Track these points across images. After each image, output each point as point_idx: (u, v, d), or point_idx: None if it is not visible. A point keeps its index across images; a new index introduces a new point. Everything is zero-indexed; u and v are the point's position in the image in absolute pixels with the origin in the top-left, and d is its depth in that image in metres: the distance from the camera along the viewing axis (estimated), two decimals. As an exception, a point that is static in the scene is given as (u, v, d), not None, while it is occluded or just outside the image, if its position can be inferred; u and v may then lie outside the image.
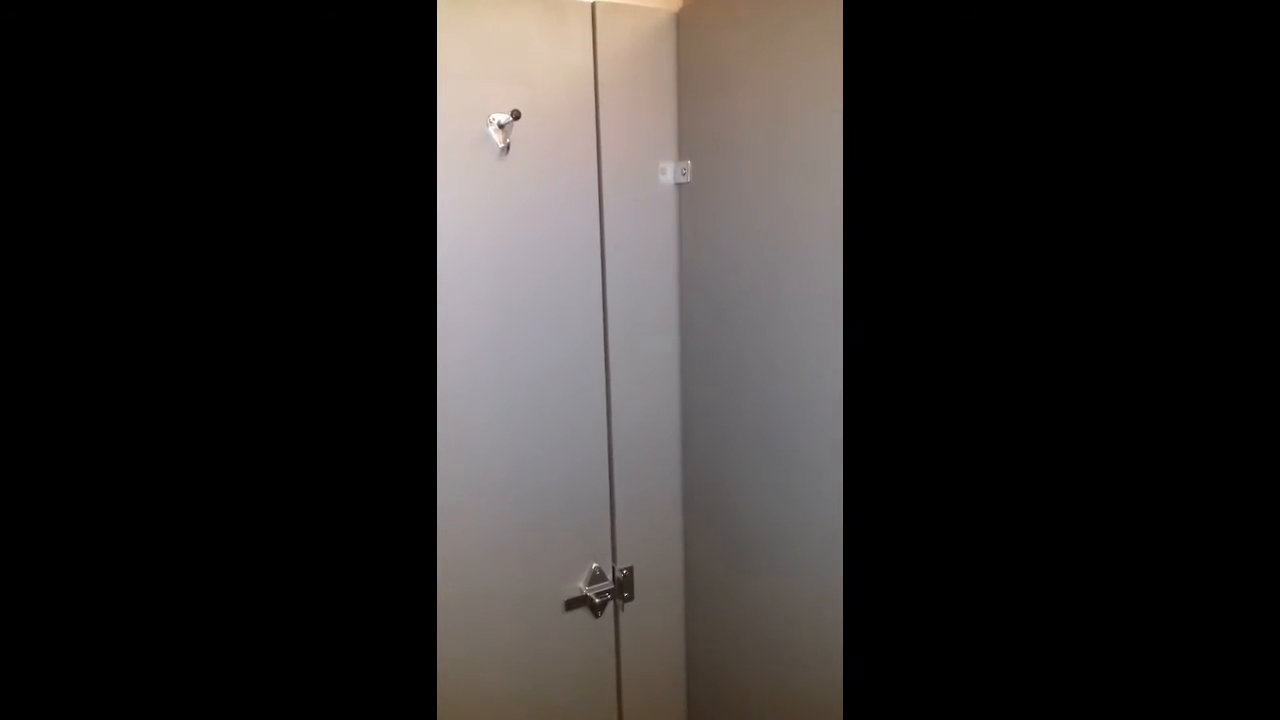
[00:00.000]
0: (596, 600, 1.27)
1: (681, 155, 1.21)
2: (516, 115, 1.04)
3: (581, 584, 1.27)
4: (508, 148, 1.06)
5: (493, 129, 1.05)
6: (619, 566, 1.30)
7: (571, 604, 1.27)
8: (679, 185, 1.22)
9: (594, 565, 1.28)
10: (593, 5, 1.10)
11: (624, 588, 1.31)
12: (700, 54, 1.14)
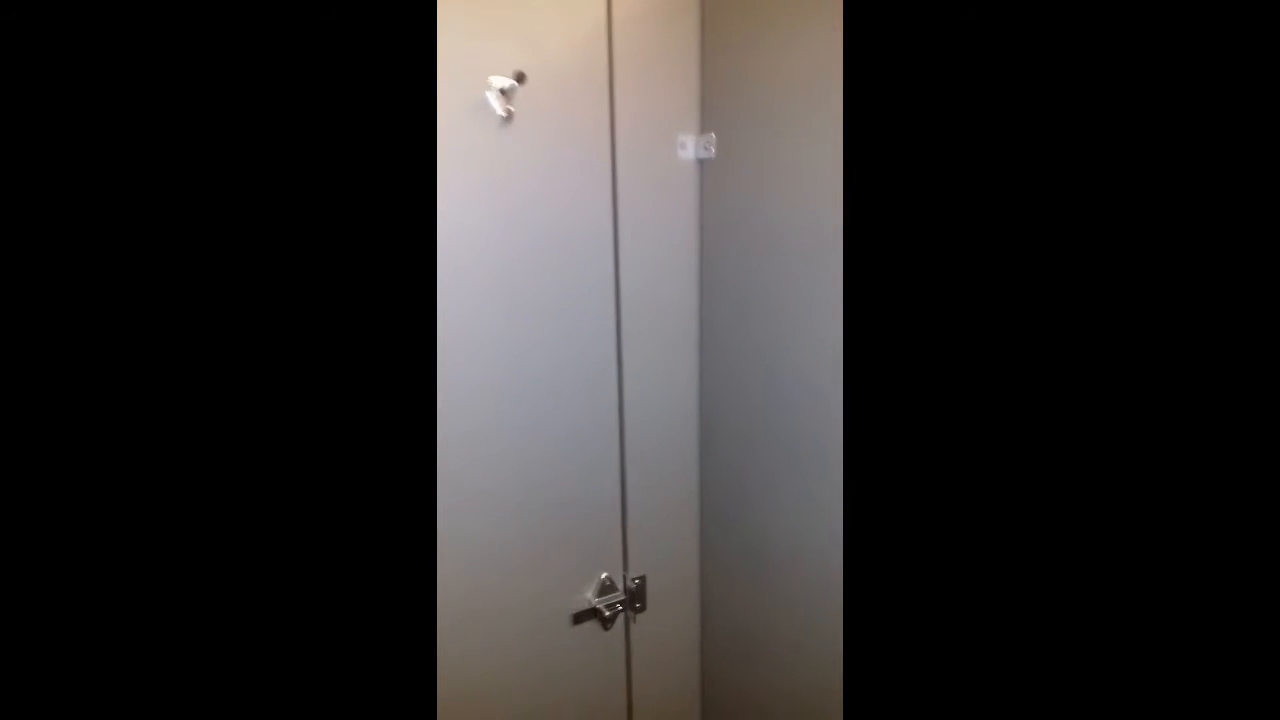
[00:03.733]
0: (606, 612, 1.18)
1: (704, 128, 1.09)
2: (521, 78, 0.92)
3: (590, 595, 1.18)
4: (510, 116, 0.95)
5: (492, 94, 0.93)
6: (631, 576, 1.21)
7: (579, 617, 1.18)
8: (701, 161, 1.10)
9: (604, 575, 1.19)
10: (607, -45, 0.98)
11: (636, 598, 1.22)
12: (728, 14, 1.02)
